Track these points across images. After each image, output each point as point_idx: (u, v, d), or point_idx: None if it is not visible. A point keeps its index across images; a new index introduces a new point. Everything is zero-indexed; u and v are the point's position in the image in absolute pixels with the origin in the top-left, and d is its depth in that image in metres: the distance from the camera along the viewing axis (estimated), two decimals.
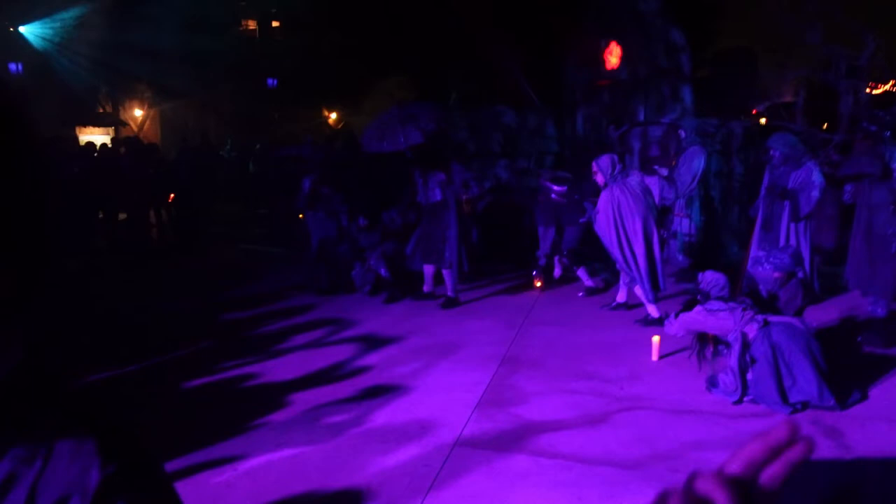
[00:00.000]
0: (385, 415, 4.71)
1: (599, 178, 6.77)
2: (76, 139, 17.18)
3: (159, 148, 14.55)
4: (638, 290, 6.79)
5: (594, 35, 11.92)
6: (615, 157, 6.83)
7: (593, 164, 6.76)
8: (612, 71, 11.65)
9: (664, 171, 8.43)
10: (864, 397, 4.78)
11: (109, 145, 15.55)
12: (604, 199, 6.75)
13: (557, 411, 4.70)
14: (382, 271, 8.11)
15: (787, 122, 8.37)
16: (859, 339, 5.93)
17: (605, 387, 5.12)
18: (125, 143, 14.13)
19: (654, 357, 5.66)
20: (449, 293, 7.58)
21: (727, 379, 4.84)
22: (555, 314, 7.21)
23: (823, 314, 6.71)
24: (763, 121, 13.24)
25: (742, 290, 7.38)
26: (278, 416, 4.73)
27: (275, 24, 28.54)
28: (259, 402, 4.98)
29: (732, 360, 4.79)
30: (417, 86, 21.58)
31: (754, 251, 7.57)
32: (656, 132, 9.71)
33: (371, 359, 5.87)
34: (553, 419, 4.56)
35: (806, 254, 7.25)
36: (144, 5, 17.77)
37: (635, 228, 6.74)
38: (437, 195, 7.43)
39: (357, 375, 5.48)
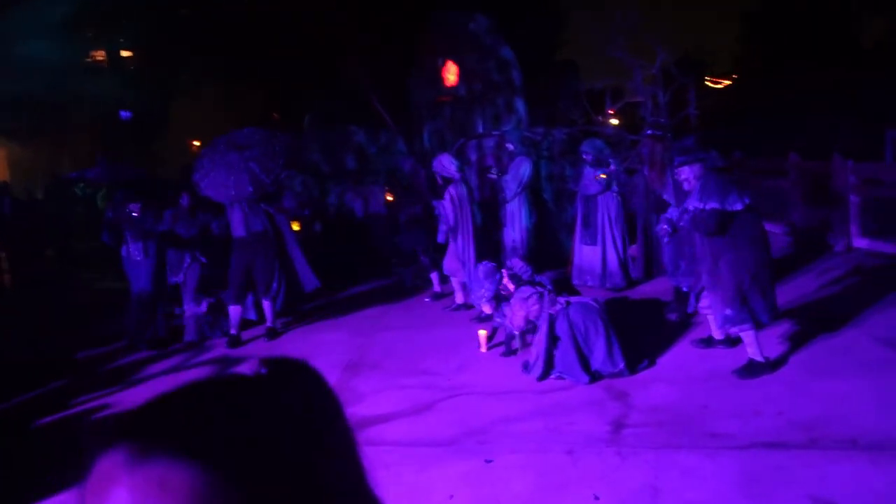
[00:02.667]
0: None
1: (439, 179, 7.58)
2: None
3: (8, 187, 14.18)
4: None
5: (434, 54, 12.65)
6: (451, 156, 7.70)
7: (435, 163, 7.55)
8: (452, 87, 12.40)
9: (493, 177, 9.19)
10: (652, 363, 5.57)
11: None
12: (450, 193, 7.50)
13: (388, 406, 5.21)
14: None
15: (601, 127, 9.31)
16: (665, 311, 6.80)
17: (435, 380, 5.69)
18: None
19: (483, 349, 6.27)
20: (269, 324, 7.43)
21: (539, 359, 5.51)
22: (403, 320, 7.75)
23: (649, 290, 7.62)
24: (615, 121, 14.39)
25: (571, 278, 8.22)
26: None
27: (125, 53, 27.92)
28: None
29: (540, 339, 5.46)
30: (276, 108, 21.82)
31: (578, 245, 8.43)
32: (490, 143, 10.47)
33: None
34: (383, 413, 5.07)
35: (619, 244, 8.14)
36: None
37: (469, 228, 7.52)
38: (258, 226, 7.17)
39: None
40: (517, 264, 5.89)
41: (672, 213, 6.05)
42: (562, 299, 5.55)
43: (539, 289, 5.61)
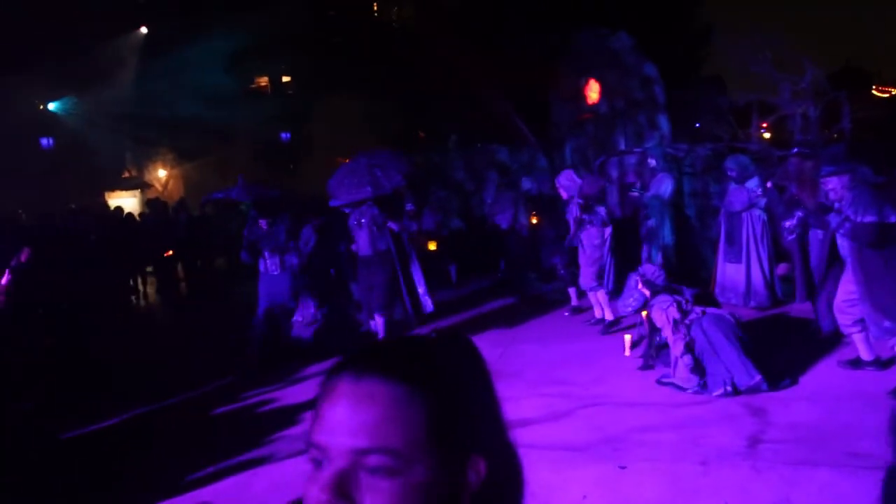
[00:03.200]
0: None
1: (563, 194, 7.79)
2: (105, 204, 18.43)
3: (185, 204, 15.66)
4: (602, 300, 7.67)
5: (575, 73, 12.87)
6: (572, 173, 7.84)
7: (557, 180, 7.81)
8: (593, 105, 12.56)
9: (636, 194, 9.27)
10: (794, 382, 5.52)
11: (137, 207, 16.71)
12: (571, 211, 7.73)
13: (528, 411, 5.48)
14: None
15: (746, 143, 9.17)
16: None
17: (572, 389, 5.91)
18: (149, 204, 15.28)
19: (627, 353, 6.36)
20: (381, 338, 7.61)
21: (680, 370, 5.58)
22: (542, 332, 8.00)
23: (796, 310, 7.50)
24: (768, 135, 14.04)
25: (714, 295, 8.16)
26: (292, 431, 5.57)
27: (285, 79, 29.90)
28: (273, 422, 5.83)
29: (678, 350, 5.55)
30: (422, 128, 22.71)
31: (721, 262, 8.36)
32: (631, 160, 10.54)
33: None
34: (523, 418, 5.34)
35: (766, 262, 8.01)
36: (163, 77, 19.08)
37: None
38: (383, 245, 7.71)
39: None
40: (649, 269, 6.01)
41: (800, 212, 6.00)
42: (698, 308, 5.63)
43: (677, 296, 5.71)
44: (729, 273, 8.14)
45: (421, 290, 8.02)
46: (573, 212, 7.97)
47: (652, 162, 9.25)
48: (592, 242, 7.83)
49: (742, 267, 8.01)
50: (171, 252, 13.25)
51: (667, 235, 8.94)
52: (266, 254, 7.76)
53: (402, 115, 23.55)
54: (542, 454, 4.68)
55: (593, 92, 12.54)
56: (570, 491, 4.14)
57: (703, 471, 4.25)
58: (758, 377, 5.32)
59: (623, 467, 4.38)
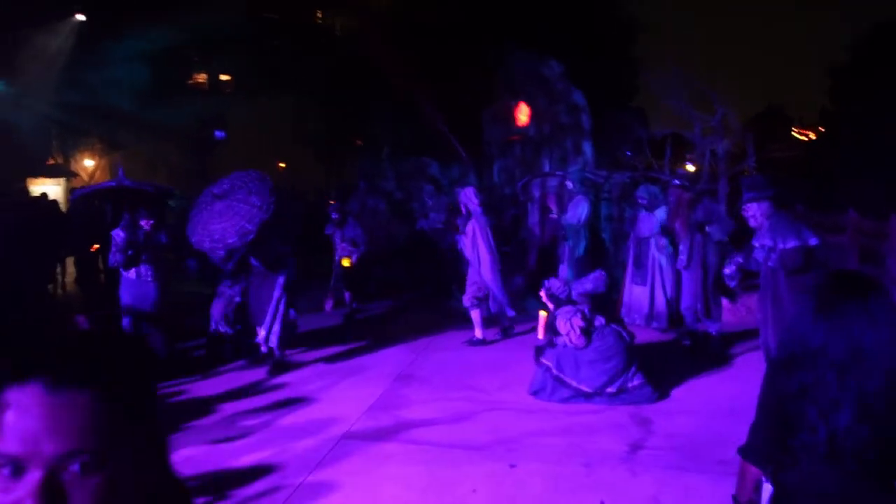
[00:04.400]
0: (290, 418, 5.75)
1: (463, 210, 8.07)
2: (26, 190, 17.97)
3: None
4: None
5: (507, 95, 13.34)
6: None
7: (461, 195, 8.10)
8: (523, 127, 13.04)
9: (554, 216, 9.72)
10: (667, 395, 6.01)
11: (62, 195, 16.36)
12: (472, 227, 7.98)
13: (432, 413, 5.79)
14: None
15: (657, 173, 9.75)
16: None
17: (478, 395, 6.23)
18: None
19: (540, 335, 6.53)
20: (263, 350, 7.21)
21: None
22: (455, 341, 8.30)
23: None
24: (692, 167, 14.77)
25: (619, 316, 8.63)
26: (204, 422, 5.72)
27: (224, 77, 29.71)
28: (190, 411, 5.96)
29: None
30: (356, 137, 22.94)
31: (628, 284, 8.86)
32: (553, 182, 11.01)
33: (284, 378, 6.87)
34: (426, 418, 5.65)
35: (669, 287, 8.52)
36: (96, 66, 18.78)
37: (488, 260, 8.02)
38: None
39: (271, 391, 6.50)
40: (555, 284, 6.37)
41: (739, 257, 6.24)
42: (601, 318, 6.05)
43: (579, 306, 6.10)
44: (635, 294, 8.64)
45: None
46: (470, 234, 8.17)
47: (569, 185, 9.72)
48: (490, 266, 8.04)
49: (647, 289, 8.51)
50: (97, 246, 13.01)
51: (580, 255, 9.40)
52: (143, 257, 7.30)
53: (338, 121, 23.76)
54: (440, 451, 4.99)
55: (523, 114, 13.03)
56: (463, 485, 4.45)
57: (586, 472, 4.62)
58: (638, 381, 5.79)
59: (513, 466, 4.72)
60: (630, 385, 5.88)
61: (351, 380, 6.83)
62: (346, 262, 9.88)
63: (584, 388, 5.88)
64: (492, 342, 8.11)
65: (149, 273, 7.31)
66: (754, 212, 5.57)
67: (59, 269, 12.94)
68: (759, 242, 5.53)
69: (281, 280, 7.06)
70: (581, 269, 9.46)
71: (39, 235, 11.22)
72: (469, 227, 8.02)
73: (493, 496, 4.34)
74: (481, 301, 8.08)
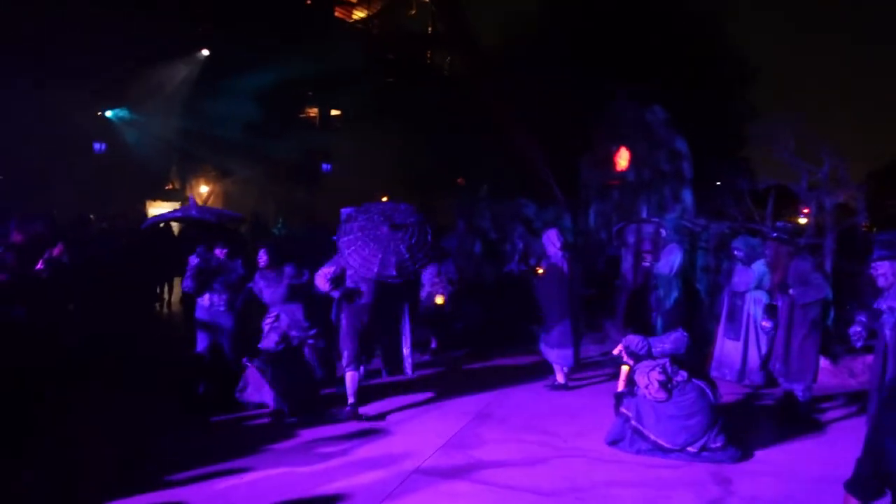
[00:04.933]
0: (366, 449, 5.83)
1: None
2: (144, 212, 19.16)
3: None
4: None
5: (607, 140, 13.29)
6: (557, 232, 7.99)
7: (544, 237, 7.98)
8: (622, 172, 12.94)
9: (648, 263, 9.54)
10: (754, 455, 5.74)
11: None
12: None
13: (506, 455, 5.75)
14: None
15: (758, 225, 9.41)
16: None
17: (553, 439, 6.15)
18: None
19: (621, 387, 6.44)
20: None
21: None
22: (533, 382, 8.22)
23: None
24: (805, 220, 14.25)
25: (709, 369, 8.33)
26: (282, 446, 5.89)
27: (334, 112, 30.79)
28: (269, 435, 6.15)
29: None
30: (455, 177, 23.24)
31: (720, 338, 8.55)
32: (648, 229, 10.81)
33: (363, 409, 6.97)
34: (500, 459, 5.61)
35: (763, 343, 8.17)
36: (217, 97, 19.93)
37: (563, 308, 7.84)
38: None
39: (349, 422, 6.60)
40: (633, 340, 6.22)
41: (863, 316, 5.91)
42: (683, 373, 5.86)
43: (660, 361, 5.94)
44: (727, 349, 8.33)
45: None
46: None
47: (663, 232, 9.53)
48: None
49: (740, 345, 8.20)
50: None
51: (672, 307, 9.16)
52: (216, 286, 7.32)
53: (440, 158, 24.16)
54: (510, 494, 4.95)
55: (623, 159, 12.93)
56: None
57: None
58: (720, 442, 5.57)
59: None
60: (713, 445, 5.66)
61: (428, 415, 6.87)
62: (439, 300, 9.95)
63: (664, 444, 5.71)
64: (573, 388, 7.98)
65: (221, 303, 7.33)
66: (885, 270, 5.33)
67: (165, 289, 13.66)
68: (888, 304, 5.29)
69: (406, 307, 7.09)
70: (671, 320, 9.22)
71: (151, 257, 11.90)
72: (546, 269, 7.98)
73: None
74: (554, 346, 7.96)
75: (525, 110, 17.94)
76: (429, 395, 7.57)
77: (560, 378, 7.96)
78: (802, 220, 14.81)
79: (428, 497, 4.89)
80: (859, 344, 5.83)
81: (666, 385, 5.81)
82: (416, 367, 7.27)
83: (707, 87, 18.40)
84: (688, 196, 11.96)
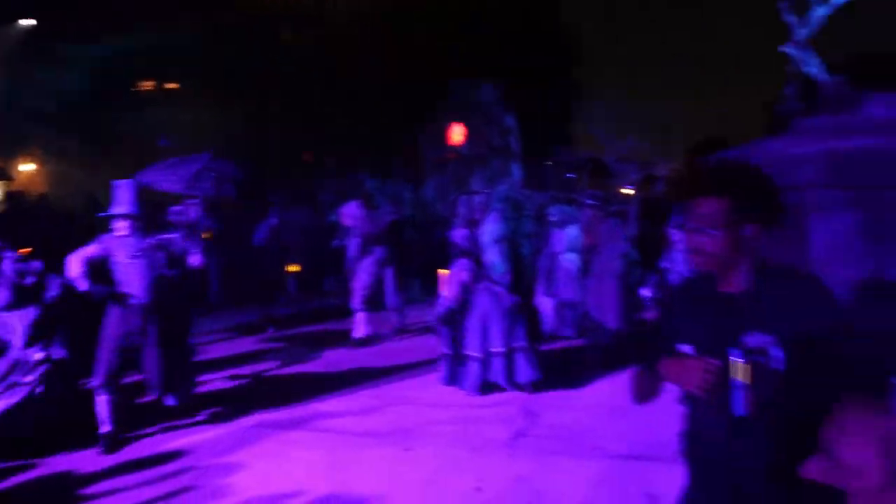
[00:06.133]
0: (206, 412, 6.17)
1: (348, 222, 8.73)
2: None
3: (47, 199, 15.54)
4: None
5: (444, 115, 14.00)
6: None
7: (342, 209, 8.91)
8: (457, 147, 13.70)
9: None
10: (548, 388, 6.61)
11: None
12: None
13: (342, 405, 6.28)
14: None
15: (573, 193, 10.42)
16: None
17: (383, 391, 6.74)
18: (9, 196, 15.13)
19: (444, 291, 7.04)
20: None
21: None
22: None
23: None
24: (630, 191, 15.54)
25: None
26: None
27: (171, 85, 29.69)
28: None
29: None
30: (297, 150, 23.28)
31: (539, 295, 9.45)
32: (478, 199, 11.56)
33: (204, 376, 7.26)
34: (337, 410, 6.15)
35: (577, 299, 9.13)
36: (45, 66, 18.83)
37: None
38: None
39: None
40: (461, 233, 6.96)
41: (655, 277, 6.81)
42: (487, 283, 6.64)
43: (468, 264, 6.67)
44: (544, 305, 9.23)
45: None
46: (352, 244, 8.86)
47: (477, 199, 10.32)
48: (368, 272, 8.77)
49: (555, 300, 9.12)
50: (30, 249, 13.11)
51: (498, 269, 9.97)
52: None
53: (284, 135, 24.08)
54: (346, 438, 5.49)
55: (458, 134, 13.70)
56: (363, 465, 4.96)
57: (469, 455, 5.15)
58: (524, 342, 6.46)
59: (407, 450, 5.23)
60: (516, 344, 6.46)
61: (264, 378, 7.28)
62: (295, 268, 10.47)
63: (471, 353, 6.44)
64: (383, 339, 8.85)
65: None
66: (678, 236, 6.20)
67: None
68: (669, 264, 6.18)
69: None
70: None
71: None
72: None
73: (388, 474, 4.84)
74: (368, 303, 8.72)
75: (367, 87, 18.33)
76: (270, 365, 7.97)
77: (362, 331, 8.73)
78: (627, 191, 16.21)
79: (266, 447, 5.33)
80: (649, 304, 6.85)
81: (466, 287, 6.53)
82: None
83: (536, 67, 19.51)
84: (516, 169, 12.90)
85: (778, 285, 1.95)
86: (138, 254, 5.44)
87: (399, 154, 15.40)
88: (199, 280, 6.17)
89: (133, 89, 26.67)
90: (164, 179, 8.13)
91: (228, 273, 10.58)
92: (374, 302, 8.96)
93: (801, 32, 5.00)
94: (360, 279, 8.80)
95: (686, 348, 2.01)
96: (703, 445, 2.11)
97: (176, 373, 5.76)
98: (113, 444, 5.32)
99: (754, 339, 1.83)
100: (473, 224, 11.35)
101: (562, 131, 17.38)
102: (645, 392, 2.24)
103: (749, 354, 1.83)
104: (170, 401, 5.81)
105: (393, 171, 15.67)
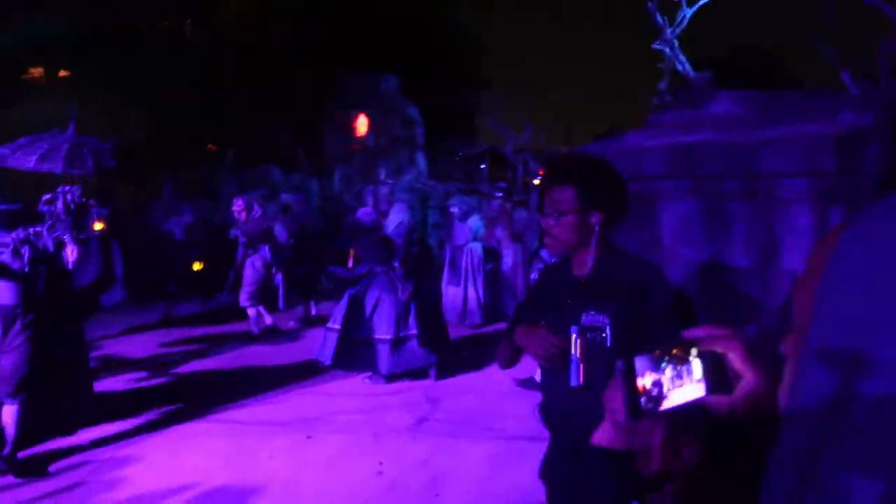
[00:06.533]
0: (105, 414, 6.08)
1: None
2: None
3: None
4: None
5: (346, 106, 14.01)
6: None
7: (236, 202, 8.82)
8: (362, 138, 13.76)
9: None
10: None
11: None
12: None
13: (245, 397, 6.30)
14: None
15: (476, 184, 10.71)
16: None
17: (292, 381, 6.80)
18: None
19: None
20: None
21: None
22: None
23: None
24: (537, 182, 15.89)
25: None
26: None
27: (63, 73, 28.41)
28: None
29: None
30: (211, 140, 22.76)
31: (444, 285, 9.67)
32: (384, 190, 11.75)
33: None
34: (240, 402, 6.16)
35: (480, 288, 9.40)
36: None
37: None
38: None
39: None
40: (364, 210, 7.14)
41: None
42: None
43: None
44: (450, 294, 9.46)
45: None
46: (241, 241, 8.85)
47: (383, 190, 10.52)
48: (254, 268, 8.75)
49: (460, 290, 9.36)
50: None
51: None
52: None
53: (186, 125, 23.45)
54: (248, 428, 5.53)
55: (362, 125, 13.76)
56: (264, 454, 5.02)
57: (373, 440, 5.29)
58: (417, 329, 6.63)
59: (309, 437, 5.32)
60: (407, 333, 6.64)
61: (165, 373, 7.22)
62: (197, 266, 10.26)
63: (357, 336, 6.61)
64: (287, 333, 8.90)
65: None
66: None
67: None
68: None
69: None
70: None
71: None
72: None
73: (290, 460, 4.93)
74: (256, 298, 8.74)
75: (266, 77, 18.09)
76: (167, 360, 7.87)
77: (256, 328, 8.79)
78: (536, 182, 16.63)
79: (165, 439, 5.31)
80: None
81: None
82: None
83: (439, 62, 19.71)
84: (421, 159, 13.07)
85: (616, 269, 2.17)
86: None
87: (304, 146, 15.31)
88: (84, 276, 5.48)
89: (22, 77, 25.42)
90: (17, 156, 7.28)
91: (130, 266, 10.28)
92: (265, 297, 8.92)
93: (669, 31, 5.34)
94: (246, 275, 8.77)
95: (541, 325, 2.21)
96: (550, 412, 2.33)
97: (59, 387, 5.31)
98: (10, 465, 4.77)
99: (589, 318, 2.02)
100: (381, 214, 11.57)
101: (466, 122, 17.66)
102: (506, 359, 2.43)
103: (583, 331, 2.03)
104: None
105: (298, 162, 15.60)
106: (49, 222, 5.26)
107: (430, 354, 6.70)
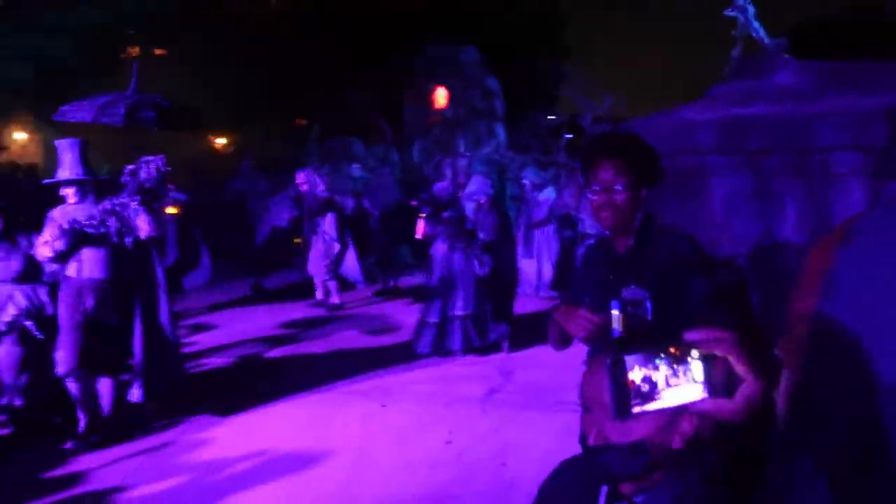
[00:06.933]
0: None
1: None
2: None
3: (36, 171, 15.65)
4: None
5: (426, 79, 14.12)
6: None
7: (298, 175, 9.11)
8: (441, 110, 13.86)
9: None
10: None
11: None
12: None
13: (335, 366, 6.61)
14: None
15: (554, 156, 10.68)
16: None
17: (371, 352, 7.07)
18: None
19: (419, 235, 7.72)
20: None
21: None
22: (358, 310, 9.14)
23: None
24: None
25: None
26: None
27: (158, 52, 29.52)
28: None
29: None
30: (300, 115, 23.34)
31: (519, 258, 9.73)
32: (462, 163, 11.85)
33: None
34: (328, 369, 6.47)
35: (553, 259, 9.40)
36: (25, 31, 18.75)
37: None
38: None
39: None
40: (441, 185, 7.28)
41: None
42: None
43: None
44: (524, 267, 9.52)
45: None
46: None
47: (462, 162, 10.59)
48: (325, 241, 9.00)
49: (534, 262, 9.42)
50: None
51: (487, 231, 10.26)
52: None
53: (274, 99, 24.07)
54: (325, 395, 5.84)
55: (441, 97, 13.85)
56: (344, 417, 5.32)
57: (444, 411, 5.50)
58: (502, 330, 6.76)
59: (384, 405, 5.58)
60: (483, 308, 6.84)
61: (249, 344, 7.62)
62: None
63: (431, 320, 6.81)
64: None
65: None
66: None
67: None
68: None
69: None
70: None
71: None
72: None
73: (361, 428, 5.18)
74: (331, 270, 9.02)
75: (349, 51, 18.35)
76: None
77: (336, 299, 9.10)
78: None
79: (247, 404, 5.66)
80: None
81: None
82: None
83: (520, 31, 19.50)
84: (501, 131, 13.08)
85: (659, 244, 2.22)
86: (90, 223, 4.87)
87: (385, 118, 15.53)
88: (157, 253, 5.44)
89: (121, 56, 26.56)
90: (77, 109, 7.59)
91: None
92: (335, 269, 9.22)
93: None
94: (315, 247, 9.06)
95: (585, 301, 2.28)
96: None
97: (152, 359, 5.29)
98: (87, 441, 4.88)
99: (630, 292, 2.06)
100: (459, 187, 11.71)
101: (546, 93, 17.46)
102: (557, 340, 2.46)
103: (624, 305, 2.05)
104: (135, 396, 5.29)
105: (381, 135, 15.85)
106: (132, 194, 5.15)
107: (502, 326, 6.84)
